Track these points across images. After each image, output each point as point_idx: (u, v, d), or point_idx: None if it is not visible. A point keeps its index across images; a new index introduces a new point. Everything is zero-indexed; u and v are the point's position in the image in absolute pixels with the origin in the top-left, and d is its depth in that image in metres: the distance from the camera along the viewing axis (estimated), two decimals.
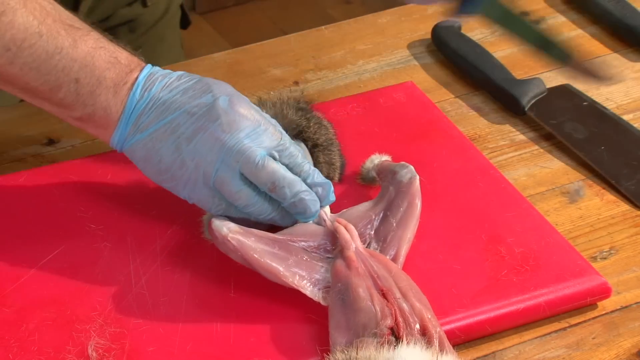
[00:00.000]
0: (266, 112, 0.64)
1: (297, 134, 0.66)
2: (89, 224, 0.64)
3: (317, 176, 0.61)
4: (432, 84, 0.82)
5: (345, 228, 0.60)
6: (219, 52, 0.86)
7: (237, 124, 0.57)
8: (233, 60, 0.86)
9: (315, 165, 0.65)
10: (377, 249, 0.60)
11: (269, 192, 0.59)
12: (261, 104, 0.67)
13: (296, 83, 0.83)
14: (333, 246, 0.60)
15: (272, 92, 0.78)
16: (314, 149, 0.67)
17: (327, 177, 0.66)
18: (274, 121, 0.60)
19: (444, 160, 0.72)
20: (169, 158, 0.58)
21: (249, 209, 0.59)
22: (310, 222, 0.61)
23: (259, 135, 0.58)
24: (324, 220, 0.61)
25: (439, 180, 0.70)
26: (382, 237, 0.61)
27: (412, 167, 0.64)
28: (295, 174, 0.59)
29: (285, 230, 0.61)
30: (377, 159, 0.68)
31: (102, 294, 0.58)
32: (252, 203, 0.59)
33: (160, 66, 0.60)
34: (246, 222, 0.60)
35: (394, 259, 0.59)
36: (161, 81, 0.58)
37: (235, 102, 0.58)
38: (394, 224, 0.61)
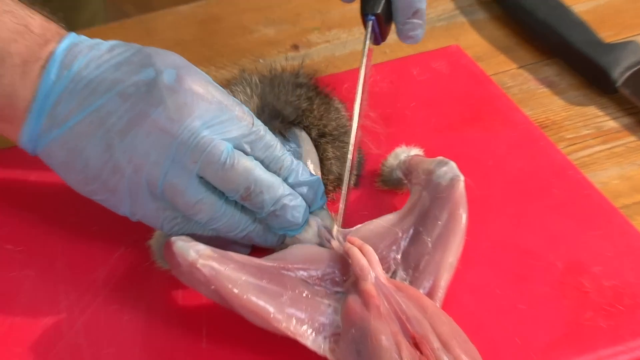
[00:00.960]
0: (250, 92, 0.66)
1: (296, 120, 0.67)
2: (4, 244, 0.64)
3: (303, 172, 0.61)
4: (486, 49, 0.84)
5: (361, 250, 0.60)
6: (187, 4, 0.86)
7: (190, 108, 0.57)
8: (207, 15, 0.85)
9: (322, 162, 0.67)
10: (406, 280, 0.61)
11: (241, 201, 0.59)
12: (243, 78, 0.68)
13: (295, 47, 0.84)
14: (344, 276, 0.60)
15: (260, 61, 0.78)
16: (320, 140, 0.68)
17: (338, 178, 0.68)
18: (237, 101, 0.61)
19: (501, 155, 0.73)
20: (98, 160, 0.58)
21: (214, 224, 0.60)
22: (307, 237, 0.62)
23: (222, 122, 0.58)
24: (330, 240, 0.62)
25: (495, 184, 0.70)
26: (412, 263, 0.61)
27: (453, 164, 0.65)
28: (273, 171, 0.60)
29: (276, 254, 0.61)
30: (405, 153, 0.69)
31: (21, 342, 0.58)
32: (217, 216, 0.59)
33: (90, 28, 0.63)
34: (220, 242, 0.60)
35: (431, 294, 0.60)
36: (86, 55, 0.58)
37: (186, 77, 0.58)
38: (430, 245, 0.61)
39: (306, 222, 0.62)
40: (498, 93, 0.79)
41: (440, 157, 0.66)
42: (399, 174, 0.68)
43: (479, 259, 0.64)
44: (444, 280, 0.60)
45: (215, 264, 0.56)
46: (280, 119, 0.68)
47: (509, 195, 0.70)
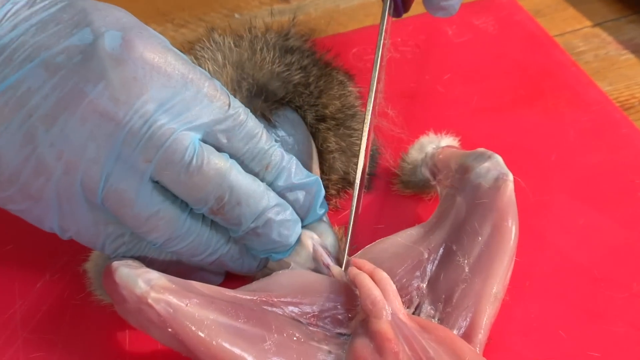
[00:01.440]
0: (222, 59, 0.65)
1: (286, 99, 0.67)
2: None
3: (297, 171, 0.61)
4: (549, 0, 0.86)
5: (372, 277, 0.59)
6: None
7: (142, 85, 0.56)
8: None
9: (321, 156, 0.67)
10: (434, 317, 0.60)
11: (210, 215, 0.59)
12: (213, 41, 0.67)
13: None
14: (349, 313, 0.59)
15: (236, 16, 0.78)
16: (319, 125, 0.68)
17: (343, 178, 0.67)
18: (206, 73, 0.60)
19: (568, 147, 0.72)
20: (15, 157, 0.57)
21: (175, 245, 0.59)
22: (298, 260, 0.62)
23: (186, 104, 0.57)
24: (330, 265, 0.61)
25: (559, 186, 0.70)
26: (443, 295, 0.60)
27: (499, 159, 0.64)
28: (256, 171, 0.60)
29: (256, 284, 0.60)
30: (432, 143, 0.68)
31: None
32: (178, 235, 0.59)
33: None
34: (181, 268, 0.60)
35: (468, 336, 0.59)
36: None
37: (136, 41, 0.57)
38: (466, 269, 0.61)
39: (298, 240, 0.62)
40: (565, 61, 0.78)
41: (481, 149, 0.65)
42: (424, 172, 0.68)
43: (535, 288, 0.64)
44: (487, 317, 0.59)
45: (173, 299, 0.55)
46: (263, 96, 0.67)
47: (577, 201, 0.69)
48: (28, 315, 0.64)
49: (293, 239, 0.61)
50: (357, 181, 0.65)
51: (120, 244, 0.60)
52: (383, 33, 0.68)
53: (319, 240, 0.62)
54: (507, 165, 0.63)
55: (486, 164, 0.63)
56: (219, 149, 0.59)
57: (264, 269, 0.63)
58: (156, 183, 0.57)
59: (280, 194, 0.61)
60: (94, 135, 0.56)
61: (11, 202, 0.58)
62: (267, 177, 0.60)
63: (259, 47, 0.68)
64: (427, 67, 0.76)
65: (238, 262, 0.62)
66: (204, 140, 0.58)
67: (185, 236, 0.59)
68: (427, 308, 0.61)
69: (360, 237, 0.66)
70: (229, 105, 0.59)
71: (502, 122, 0.75)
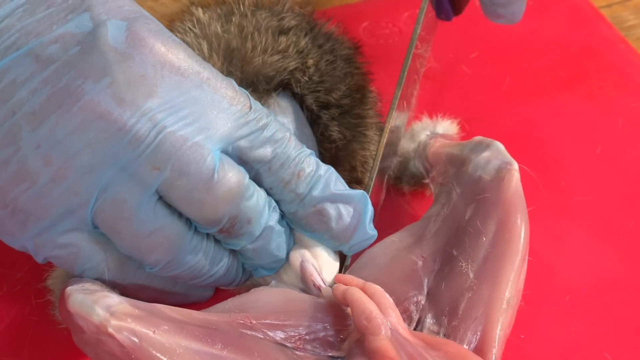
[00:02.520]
0: (207, 45, 0.65)
1: (281, 85, 0.66)
2: None
3: (337, 181, 0.60)
4: None
5: (365, 292, 0.57)
6: None
7: (152, 84, 0.56)
8: None
9: (321, 145, 0.67)
10: (438, 333, 0.59)
11: (218, 234, 0.58)
12: (198, 22, 0.67)
13: None
14: (340, 334, 0.58)
15: None
16: (320, 113, 0.67)
17: (349, 172, 0.67)
18: (219, 73, 0.59)
19: (616, 139, 0.72)
20: None
21: (176, 269, 0.59)
22: (286, 280, 0.62)
23: (203, 108, 0.57)
24: (319, 288, 0.60)
25: (604, 183, 0.69)
26: (447, 307, 0.60)
27: (499, 146, 0.63)
28: (286, 181, 0.59)
29: (231, 302, 0.59)
30: (426, 130, 0.68)
31: None
32: (183, 256, 0.58)
33: None
34: (145, 289, 0.60)
35: (481, 350, 0.58)
36: None
37: (144, 33, 0.56)
38: (471, 275, 0.60)
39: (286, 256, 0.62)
40: (612, 37, 0.78)
41: (479, 137, 0.64)
42: (418, 166, 0.67)
43: (577, 301, 0.63)
44: (499, 327, 0.59)
45: (137, 326, 0.54)
46: (251, 88, 0.67)
47: (626, 202, 0.69)
48: None
49: (286, 252, 0.61)
50: (373, 179, 0.65)
51: (103, 269, 0.59)
52: (417, 37, 0.68)
53: (310, 258, 0.61)
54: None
55: (485, 154, 0.62)
56: (242, 158, 0.58)
57: (244, 283, 0.63)
58: (161, 196, 0.57)
59: (318, 209, 0.59)
60: (90, 140, 0.55)
61: None
62: (300, 187, 0.59)
63: (249, 33, 0.67)
64: (451, 44, 0.75)
65: (232, 279, 0.61)
66: (223, 149, 0.57)
67: (190, 257, 0.58)
68: (429, 323, 0.60)
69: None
70: (250, 108, 0.58)
71: (538, 109, 0.74)
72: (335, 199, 0.59)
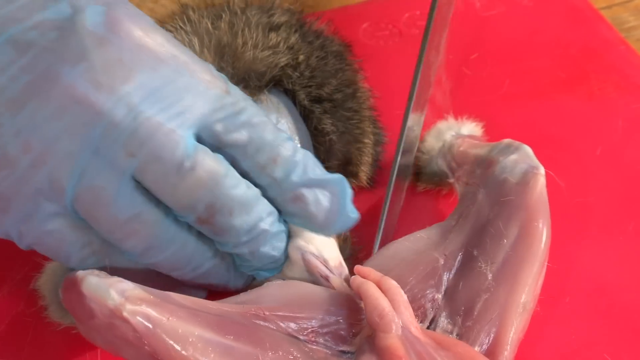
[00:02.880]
0: (198, 43, 0.65)
1: (272, 81, 0.66)
2: None
3: (314, 166, 0.60)
4: None
5: (380, 287, 0.58)
6: None
7: (129, 69, 0.56)
8: None
9: (316, 139, 0.66)
10: (452, 333, 0.59)
11: (197, 225, 0.58)
12: (189, 21, 0.67)
13: None
14: (352, 328, 0.59)
15: None
16: (312, 107, 0.67)
17: (344, 165, 0.67)
18: (196, 56, 0.59)
19: (616, 140, 0.71)
20: None
21: (154, 256, 0.58)
22: (291, 276, 0.62)
23: (179, 92, 0.57)
24: (326, 277, 0.60)
25: (604, 184, 0.69)
26: (463, 306, 0.60)
27: (528, 150, 0.63)
28: (262, 164, 0.59)
29: (246, 295, 0.59)
30: (451, 130, 0.68)
31: None
32: (160, 244, 0.58)
33: None
34: (158, 283, 0.58)
35: (492, 353, 0.58)
36: None
37: (122, 17, 0.57)
38: (490, 277, 0.60)
39: (285, 253, 0.61)
40: (612, 38, 0.78)
41: (508, 140, 0.64)
42: (441, 164, 0.68)
43: (577, 302, 0.63)
44: (513, 331, 0.58)
45: (152, 312, 0.53)
46: (242, 84, 0.66)
47: (625, 203, 0.68)
48: None
49: (283, 255, 0.61)
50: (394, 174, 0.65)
51: (89, 253, 0.59)
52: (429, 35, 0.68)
53: (309, 249, 0.61)
54: (544, 161, 0.62)
55: (513, 157, 0.63)
56: (217, 142, 0.58)
57: (252, 282, 0.63)
58: (138, 183, 0.57)
59: (297, 194, 0.59)
60: (68, 125, 0.55)
61: None
62: (277, 172, 0.59)
63: (240, 29, 0.67)
64: (451, 45, 0.74)
65: (223, 279, 0.62)
66: (198, 134, 0.57)
67: (167, 245, 0.58)
68: (443, 322, 0.60)
69: (366, 241, 0.65)
70: (227, 92, 0.58)
71: (538, 110, 0.74)
72: (313, 183, 0.60)
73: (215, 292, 0.61)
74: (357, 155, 0.68)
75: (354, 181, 0.69)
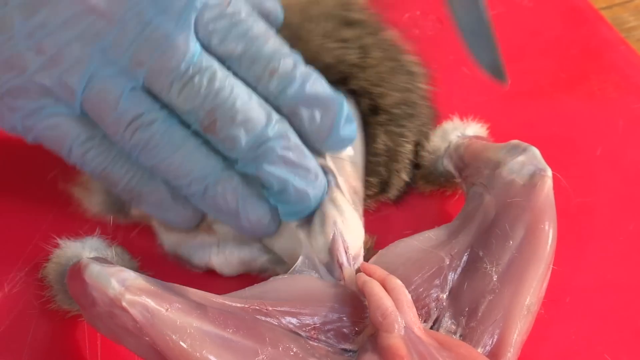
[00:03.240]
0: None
1: (338, 77, 0.65)
2: None
3: (315, 81, 0.59)
4: None
5: (384, 285, 0.58)
6: None
7: None
8: None
9: (369, 153, 0.66)
10: (456, 333, 0.59)
11: (203, 132, 0.59)
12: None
13: None
14: (355, 326, 0.58)
15: None
16: (371, 117, 0.66)
17: (384, 183, 0.67)
18: None
19: (617, 140, 0.72)
20: None
21: (155, 157, 0.59)
22: (316, 246, 0.61)
23: (184, 2, 0.57)
24: (341, 265, 0.60)
25: (604, 185, 0.69)
26: (467, 307, 0.60)
27: (536, 152, 0.63)
28: (257, 75, 0.59)
29: (250, 290, 0.59)
30: (457, 130, 0.68)
31: None
32: (162, 144, 0.59)
33: None
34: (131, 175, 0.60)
35: (495, 355, 0.58)
36: None
37: None
38: (494, 278, 0.60)
39: (319, 218, 0.60)
40: (612, 38, 0.78)
41: (516, 141, 0.64)
42: (447, 164, 0.67)
43: (576, 302, 0.63)
44: (517, 333, 0.58)
45: (151, 302, 0.54)
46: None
47: (626, 203, 0.68)
48: None
49: (311, 194, 0.60)
50: None
51: (89, 147, 0.60)
52: None
53: (342, 227, 0.61)
54: (544, 161, 0.62)
55: (521, 158, 0.62)
56: (214, 52, 0.59)
57: (267, 271, 0.63)
58: (144, 88, 0.58)
59: (292, 111, 0.59)
60: (80, 33, 0.56)
61: None
62: (272, 85, 0.59)
63: (313, 14, 0.67)
64: (451, 46, 0.70)
65: (242, 203, 0.60)
66: (201, 42, 0.58)
67: (169, 146, 0.59)
68: (447, 322, 0.60)
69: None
70: (229, 4, 0.59)
71: (538, 110, 0.74)
72: (310, 100, 0.59)
73: (222, 287, 0.60)
74: (394, 176, 0.67)
75: (386, 200, 0.68)
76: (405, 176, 0.68)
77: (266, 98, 0.59)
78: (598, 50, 0.78)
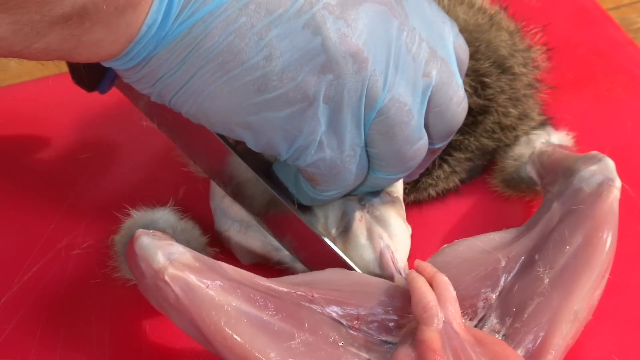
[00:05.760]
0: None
1: (498, 70, 0.68)
2: None
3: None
4: None
5: (430, 282, 0.58)
6: None
7: (412, 8, 0.58)
8: None
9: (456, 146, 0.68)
10: (499, 333, 0.59)
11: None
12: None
13: None
14: (400, 320, 0.58)
15: None
16: (478, 116, 0.67)
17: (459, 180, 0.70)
18: None
19: (625, 140, 0.71)
20: (295, 49, 0.54)
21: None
22: (353, 258, 0.62)
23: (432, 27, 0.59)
24: (390, 263, 0.61)
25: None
26: (514, 308, 0.59)
27: (609, 162, 0.62)
28: None
29: (302, 276, 0.59)
30: (542, 138, 0.67)
31: None
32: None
33: None
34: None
35: (534, 356, 0.57)
36: None
37: None
38: (546, 281, 0.59)
39: (365, 232, 0.62)
40: (620, 39, 0.78)
41: (594, 152, 0.63)
42: (530, 170, 0.67)
43: (630, 312, 0.62)
44: (561, 337, 0.58)
45: (192, 278, 0.54)
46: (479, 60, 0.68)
47: (634, 204, 0.69)
48: (27, 290, 0.65)
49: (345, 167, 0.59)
50: None
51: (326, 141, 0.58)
52: None
53: (388, 240, 0.62)
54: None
55: (593, 167, 0.62)
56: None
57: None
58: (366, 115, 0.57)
59: None
60: (381, 37, 0.55)
61: (271, 108, 0.55)
62: None
63: (499, 18, 0.68)
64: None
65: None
66: None
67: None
68: (493, 321, 0.60)
69: (437, 237, 0.67)
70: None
71: (546, 110, 0.73)
72: None
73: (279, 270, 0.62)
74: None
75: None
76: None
77: None
78: (606, 51, 0.77)
